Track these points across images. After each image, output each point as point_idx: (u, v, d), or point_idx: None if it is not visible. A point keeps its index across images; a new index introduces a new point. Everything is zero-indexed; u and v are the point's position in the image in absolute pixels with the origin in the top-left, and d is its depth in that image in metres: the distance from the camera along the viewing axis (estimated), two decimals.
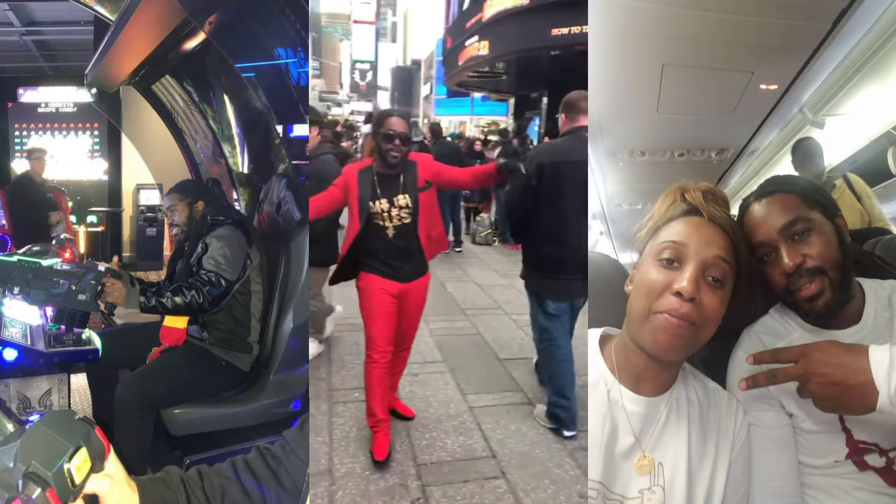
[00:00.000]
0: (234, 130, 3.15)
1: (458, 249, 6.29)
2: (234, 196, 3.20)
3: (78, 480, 0.65)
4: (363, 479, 2.15)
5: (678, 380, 0.97)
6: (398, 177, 2.24)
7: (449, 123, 19.10)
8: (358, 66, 46.94)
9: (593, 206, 3.13)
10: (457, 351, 3.43)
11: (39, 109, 5.74)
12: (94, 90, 3.83)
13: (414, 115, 23.50)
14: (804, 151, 2.50)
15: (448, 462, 2.29)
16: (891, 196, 2.59)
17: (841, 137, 2.66)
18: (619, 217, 3.27)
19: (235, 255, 2.07)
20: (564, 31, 9.09)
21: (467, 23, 12.74)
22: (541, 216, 2.42)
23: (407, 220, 2.24)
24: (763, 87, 2.23)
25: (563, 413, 2.46)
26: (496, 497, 2.08)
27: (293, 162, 2.55)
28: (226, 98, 3.12)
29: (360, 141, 8.54)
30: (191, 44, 2.75)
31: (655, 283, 0.89)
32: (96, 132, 5.76)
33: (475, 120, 19.16)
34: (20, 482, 0.61)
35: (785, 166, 2.81)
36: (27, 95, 5.76)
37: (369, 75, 46.48)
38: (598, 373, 0.97)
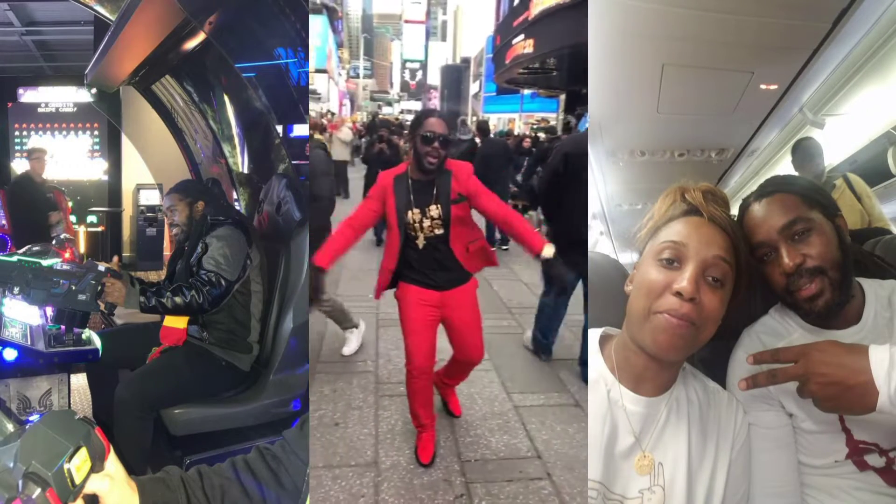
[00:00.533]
0: (234, 130, 3.15)
1: (504, 247, 6.21)
2: (234, 196, 3.20)
3: (78, 480, 0.65)
4: (408, 472, 2.15)
5: (678, 380, 0.97)
6: (432, 185, 2.11)
7: (498, 121, 18.75)
8: (408, 65, 46.74)
9: (593, 206, 3.15)
10: (502, 349, 3.36)
11: (39, 109, 5.73)
12: (94, 90, 3.81)
13: (463, 113, 23.26)
14: (804, 151, 2.50)
15: (492, 460, 2.26)
16: (891, 196, 2.59)
17: (841, 137, 2.66)
18: (619, 217, 3.28)
19: (235, 255, 2.07)
20: None
21: (515, 21, 12.78)
22: (564, 199, 2.80)
23: (439, 232, 2.12)
24: (763, 87, 2.23)
25: (543, 346, 3.19)
26: (541, 498, 2.03)
27: (293, 162, 2.55)
28: (226, 98, 3.11)
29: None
30: (191, 44, 2.75)
31: (655, 283, 0.89)
32: (96, 132, 5.76)
33: (524, 117, 18.80)
34: (20, 482, 0.61)
35: (785, 166, 2.81)
36: (27, 95, 5.76)
37: (419, 74, 46.24)
38: (598, 373, 0.97)
